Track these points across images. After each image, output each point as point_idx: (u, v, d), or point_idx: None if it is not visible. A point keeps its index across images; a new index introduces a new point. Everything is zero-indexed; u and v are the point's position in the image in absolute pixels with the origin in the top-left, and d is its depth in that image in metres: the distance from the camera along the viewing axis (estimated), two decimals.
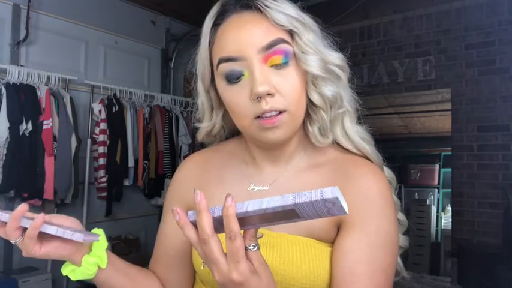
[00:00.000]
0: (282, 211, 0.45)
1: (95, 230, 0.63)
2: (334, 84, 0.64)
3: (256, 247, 0.49)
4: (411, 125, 5.55)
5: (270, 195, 0.64)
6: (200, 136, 0.74)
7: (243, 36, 0.60)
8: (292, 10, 0.62)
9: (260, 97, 0.58)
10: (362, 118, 0.71)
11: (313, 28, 0.64)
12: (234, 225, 0.46)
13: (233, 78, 0.61)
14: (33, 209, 2.78)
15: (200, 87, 0.69)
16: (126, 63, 3.53)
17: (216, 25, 0.63)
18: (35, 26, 2.85)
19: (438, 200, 5.85)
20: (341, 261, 0.61)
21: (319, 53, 0.62)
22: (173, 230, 0.73)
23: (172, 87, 3.92)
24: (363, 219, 0.62)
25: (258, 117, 0.60)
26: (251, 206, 0.46)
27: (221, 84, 0.63)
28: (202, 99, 0.70)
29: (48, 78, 2.73)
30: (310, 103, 0.65)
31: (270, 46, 0.59)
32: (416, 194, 5.85)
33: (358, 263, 0.60)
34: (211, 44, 0.64)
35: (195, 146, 3.68)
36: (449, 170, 3.61)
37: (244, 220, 0.47)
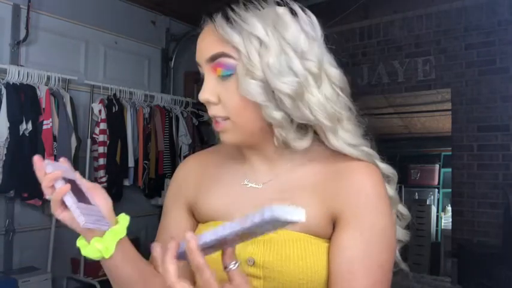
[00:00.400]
0: (238, 235, 0.47)
1: (121, 217, 0.65)
2: (283, 108, 0.61)
3: (237, 264, 0.51)
4: (411, 125, 5.55)
5: (263, 194, 0.68)
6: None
7: (199, 45, 0.65)
8: (259, 26, 0.60)
9: (206, 103, 0.64)
10: (356, 119, 0.70)
11: (286, 45, 0.61)
12: (198, 258, 0.49)
13: (202, 80, 0.66)
14: (34, 208, 2.79)
15: None
16: (126, 63, 3.53)
17: (200, 30, 0.68)
18: (35, 26, 2.85)
19: (438, 200, 5.85)
20: (337, 258, 0.62)
21: (267, 78, 0.60)
22: (174, 227, 0.74)
23: (172, 87, 3.92)
24: (358, 216, 0.63)
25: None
26: (209, 235, 0.48)
27: None
28: None
29: (48, 78, 2.73)
30: None
31: (213, 58, 0.62)
32: (416, 194, 5.85)
33: (354, 260, 0.60)
34: None
35: (195, 146, 3.69)
36: (449, 170, 3.61)
37: (214, 247, 0.50)
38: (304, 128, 0.66)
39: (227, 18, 0.61)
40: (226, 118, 0.63)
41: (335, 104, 0.65)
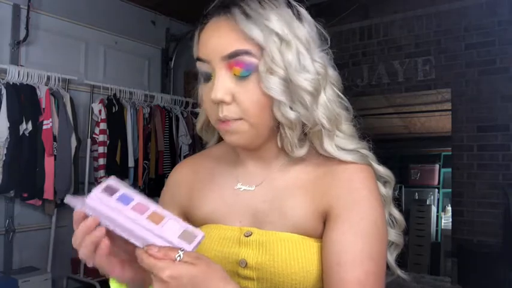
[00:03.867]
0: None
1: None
2: (301, 106, 0.62)
3: (179, 257, 0.50)
4: (411, 125, 5.55)
5: (255, 196, 0.68)
6: (198, 125, 0.75)
7: (210, 42, 0.61)
8: (278, 23, 0.60)
9: (217, 103, 0.61)
10: (353, 120, 0.70)
11: (300, 44, 0.61)
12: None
13: (204, 78, 0.64)
14: (34, 208, 2.79)
15: (199, 78, 0.71)
16: (126, 63, 3.53)
17: (202, 24, 0.65)
18: (35, 26, 2.85)
19: (438, 200, 5.84)
20: (327, 253, 0.61)
21: (288, 75, 0.60)
22: None
23: (172, 87, 3.92)
24: (346, 210, 0.63)
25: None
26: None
27: (201, 81, 0.66)
28: (199, 90, 0.71)
29: (48, 78, 2.73)
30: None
31: (232, 56, 0.59)
32: (416, 194, 5.84)
33: (343, 252, 0.60)
34: (197, 43, 0.66)
35: (195, 146, 3.69)
36: (449, 170, 3.61)
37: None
38: (302, 137, 0.66)
39: (246, 14, 0.59)
40: (240, 119, 0.61)
41: (335, 105, 0.66)
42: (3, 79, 2.54)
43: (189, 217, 0.75)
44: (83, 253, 0.52)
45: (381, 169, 0.70)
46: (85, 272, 2.95)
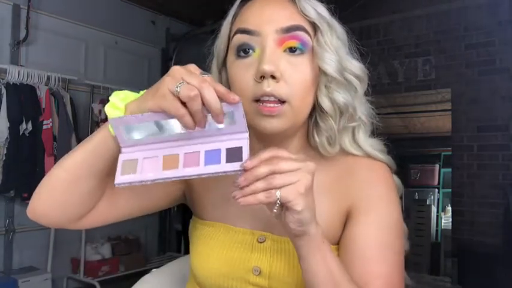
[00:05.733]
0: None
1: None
2: (348, 92, 0.62)
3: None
4: (411, 125, 5.54)
5: None
6: None
7: (265, 13, 0.59)
8: (324, 10, 0.62)
9: (264, 77, 0.56)
10: (376, 132, 0.70)
11: (339, 34, 0.63)
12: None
13: (242, 51, 0.59)
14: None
15: (214, 66, 0.68)
16: (126, 63, 3.53)
17: (244, 1, 0.63)
18: (35, 26, 2.85)
19: (438, 200, 5.84)
20: (350, 247, 0.60)
21: (339, 57, 0.61)
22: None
23: None
24: (371, 206, 0.62)
25: (257, 101, 0.58)
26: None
27: (231, 58, 0.62)
28: (214, 78, 0.69)
29: (48, 78, 2.73)
30: (319, 110, 0.63)
31: (290, 30, 0.58)
32: (416, 194, 5.83)
33: (368, 246, 0.59)
34: (234, 17, 0.63)
35: None
36: (449, 170, 3.61)
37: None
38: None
39: None
40: (284, 101, 0.57)
41: (366, 103, 0.67)
42: (3, 79, 2.54)
43: (192, 204, 0.71)
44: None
45: (395, 179, 0.70)
46: (85, 272, 2.95)
